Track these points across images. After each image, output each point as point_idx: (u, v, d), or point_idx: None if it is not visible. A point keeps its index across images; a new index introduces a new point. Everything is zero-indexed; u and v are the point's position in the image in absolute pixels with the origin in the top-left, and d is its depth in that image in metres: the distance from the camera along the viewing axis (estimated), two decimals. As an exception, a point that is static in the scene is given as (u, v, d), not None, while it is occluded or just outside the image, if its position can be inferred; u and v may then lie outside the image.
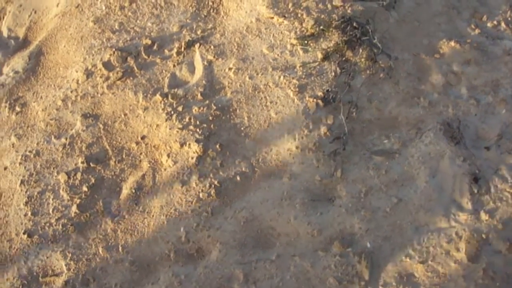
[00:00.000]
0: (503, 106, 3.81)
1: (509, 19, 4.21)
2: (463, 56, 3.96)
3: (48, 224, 3.57)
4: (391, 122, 3.69)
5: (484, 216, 3.44)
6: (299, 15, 3.97)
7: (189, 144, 3.60)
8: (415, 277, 3.31)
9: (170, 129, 3.67)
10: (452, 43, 4.00)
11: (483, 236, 3.41)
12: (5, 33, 4.55)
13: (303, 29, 3.92)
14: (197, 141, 3.60)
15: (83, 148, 3.76)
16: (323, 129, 3.59)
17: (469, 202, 3.48)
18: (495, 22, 4.19)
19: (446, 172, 3.54)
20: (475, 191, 3.52)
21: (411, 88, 3.79)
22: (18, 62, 4.25)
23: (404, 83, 3.79)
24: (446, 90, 3.83)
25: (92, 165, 3.70)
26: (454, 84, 3.85)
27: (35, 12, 4.48)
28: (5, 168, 3.77)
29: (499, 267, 3.33)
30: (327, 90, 3.69)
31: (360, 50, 3.82)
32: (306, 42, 3.84)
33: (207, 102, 3.75)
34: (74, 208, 3.58)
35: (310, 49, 3.83)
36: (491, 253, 3.37)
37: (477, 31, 4.13)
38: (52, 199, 3.65)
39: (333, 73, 3.75)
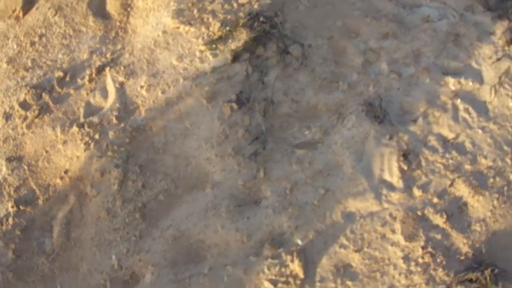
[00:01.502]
0: (427, 75, 3.71)
1: (425, -16, 4.08)
2: (380, 31, 3.86)
3: (-13, 275, 3.53)
4: (311, 112, 3.60)
5: (417, 192, 3.35)
6: (205, 19, 3.90)
7: (109, 171, 3.56)
8: (352, 266, 3.23)
9: (89, 158, 3.62)
10: (368, 20, 3.90)
11: (418, 213, 3.31)
12: None
13: (210, 33, 3.85)
14: (116, 166, 3.55)
15: (11, 192, 3.74)
16: (240, 132, 3.52)
17: (399, 180, 3.39)
18: (411, -9, 4.07)
19: (372, 153, 3.45)
20: (405, 167, 3.42)
21: (328, 73, 3.70)
22: None
23: (320, 69, 3.70)
24: (365, 68, 3.73)
25: (22, 207, 3.69)
26: (374, 61, 3.76)
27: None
28: None
29: (439, 242, 3.22)
30: (240, 92, 3.62)
31: (271, 44, 3.72)
32: (214, 46, 3.77)
33: (122, 125, 3.70)
34: (10, 254, 3.56)
35: (219, 52, 3.76)
36: (428, 229, 3.27)
37: (392, 3, 4.01)
38: (-12, 249, 3.61)
39: (245, 73, 3.67)
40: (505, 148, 3.42)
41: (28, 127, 3.89)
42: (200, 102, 3.63)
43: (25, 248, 3.58)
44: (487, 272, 3.08)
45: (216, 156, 3.49)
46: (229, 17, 3.85)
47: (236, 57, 3.72)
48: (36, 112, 3.90)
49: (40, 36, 4.26)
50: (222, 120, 3.56)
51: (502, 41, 3.74)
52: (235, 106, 3.56)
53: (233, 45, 3.78)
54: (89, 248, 3.46)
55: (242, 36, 3.78)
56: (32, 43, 4.25)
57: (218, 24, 3.84)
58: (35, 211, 3.66)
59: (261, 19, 3.79)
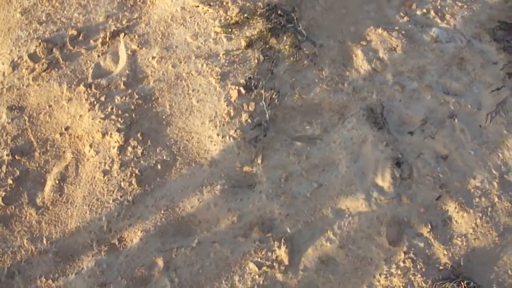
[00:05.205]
0: (428, 92, 3.82)
1: (439, 7, 4.23)
2: (390, 43, 3.97)
3: (-26, 219, 3.52)
4: (314, 108, 3.68)
5: (406, 200, 3.45)
6: (225, 3, 3.96)
7: (111, 134, 3.59)
8: (336, 261, 3.31)
9: (92, 119, 3.65)
10: (380, 30, 4.01)
11: (405, 219, 3.41)
12: None
13: (227, 17, 3.92)
14: (119, 130, 3.58)
15: (9, 141, 3.72)
16: (244, 116, 3.59)
17: (391, 186, 3.49)
18: (424, 10, 4.21)
19: (368, 157, 3.55)
20: (397, 175, 3.52)
21: (335, 75, 3.79)
22: None
23: (328, 69, 3.79)
24: (371, 76, 3.83)
25: (17, 157, 3.67)
26: (380, 70, 3.86)
27: (-37, 6, 4.45)
28: None
29: (420, 250, 3.33)
30: (249, 78, 3.68)
31: (285, 38, 3.82)
32: (230, 30, 3.84)
33: (129, 91, 3.73)
34: (-1, 201, 3.54)
35: (234, 37, 3.83)
36: (412, 236, 3.38)
37: (405, 18, 4.14)
38: (-21, 193, 3.60)
39: (256, 61, 3.74)
40: (494, 172, 3.56)
41: (35, 79, 3.89)
42: (209, 81, 3.70)
43: (15, 197, 3.56)
44: (463, 284, 3.20)
45: (217, 135, 3.55)
46: (248, 4, 3.92)
47: (249, 44, 3.79)
48: (45, 65, 3.90)
49: (58, -7, 4.27)
50: (228, 102, 3.62)
51: (504, 72, 3.88)
52: (242, 90, 3.64)
53: (248, 32, 3.86)
54: (81, 206, 3.48)
55: (258, 25, 3.86)
56: (49, -2, 4.26)
57: (236, 10, 3.90)
58: (30, 163, 3.65)
59: (279, 12, 3.87)
